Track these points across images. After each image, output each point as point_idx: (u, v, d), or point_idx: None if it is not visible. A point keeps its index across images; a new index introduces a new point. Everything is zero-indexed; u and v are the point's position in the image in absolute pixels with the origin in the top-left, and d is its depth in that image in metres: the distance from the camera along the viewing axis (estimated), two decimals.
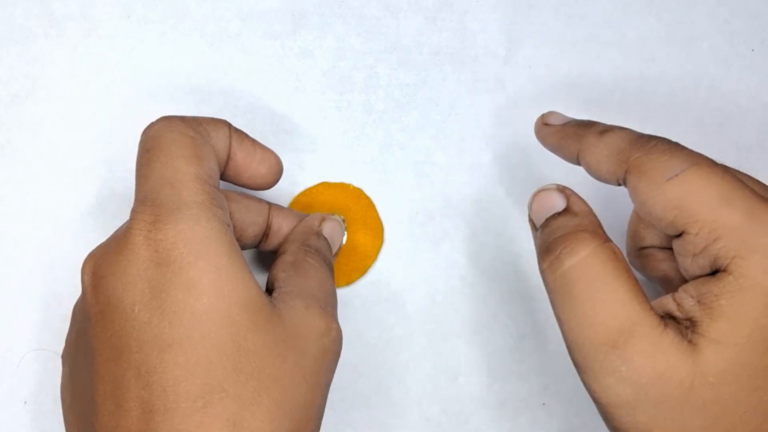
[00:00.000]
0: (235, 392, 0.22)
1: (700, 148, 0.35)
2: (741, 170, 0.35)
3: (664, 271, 0.29)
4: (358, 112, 0.34)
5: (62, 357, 0.27)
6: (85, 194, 0.33)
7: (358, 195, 0.33)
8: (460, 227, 0.34)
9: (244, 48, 0.34)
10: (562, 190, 0.27)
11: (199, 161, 0.25)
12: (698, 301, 0.23)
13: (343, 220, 0.32)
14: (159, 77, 0.34)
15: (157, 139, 0.25)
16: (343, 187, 0.33)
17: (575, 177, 0.34)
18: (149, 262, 0.23)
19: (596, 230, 0.25)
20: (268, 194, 0.33)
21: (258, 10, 0.35)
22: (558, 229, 0.25)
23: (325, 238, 0.30)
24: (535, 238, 0.27)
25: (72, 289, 0.32)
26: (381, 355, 0.33)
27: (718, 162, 0.24)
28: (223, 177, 0.28)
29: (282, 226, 0.30)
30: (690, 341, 0.22)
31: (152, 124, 0.26)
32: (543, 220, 0.26)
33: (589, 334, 0.23)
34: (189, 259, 0.23)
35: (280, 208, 0.30)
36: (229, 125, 0.28)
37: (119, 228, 0.25)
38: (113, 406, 0.22)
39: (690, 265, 0.24)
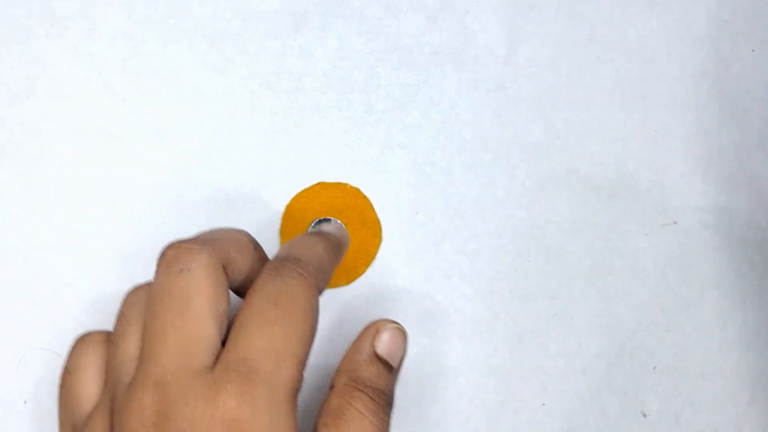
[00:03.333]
0: None
1: (699, 149, 0.35)
2: (741, 171, 0.35)
3: None
4: (359, 112, 0.34)
5: None
6: (84, 194, 0.33)
7: (355, 194, 0.33)
8: (460, 227, 0.34)
9: (244, 48, 0.34)
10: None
11: (217, 304, 0.24)
12: None
13: (343, 225, 0.33)
14: (159, 77, 0.34)
15: (186, 290, 0.24)
16: (339, 186, 0.33)
17: (576, 177, 0.34)
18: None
19: None
20: (266, 197, 0.33)
21: (259, 10, 0.35)
22: None
23: (384, 361, 0.27)
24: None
25: (71, 288, 0.32)
26: None
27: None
28: (236, 290, 0.27)
29: None
30: None
31: (184, 261, 0.24)
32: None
33: None
34: None
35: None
36: (254, 246, 0.27)
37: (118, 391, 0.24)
38: None
39: None
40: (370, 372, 0.26)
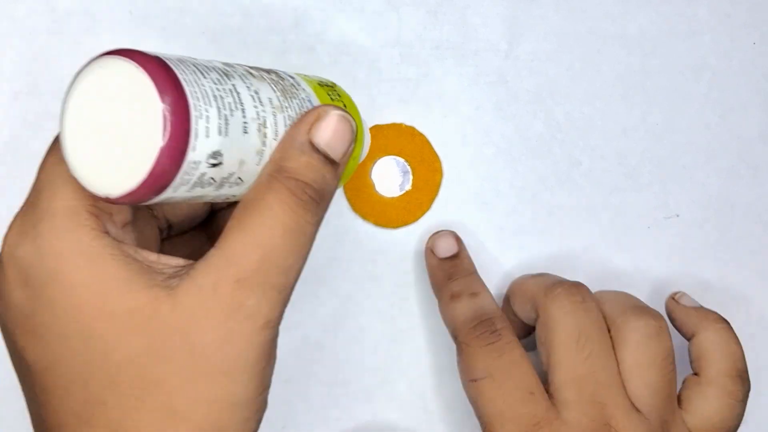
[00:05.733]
0: (115, 402, 0.22)
1: (701, 142, 0.35)
2: (743, 164, 0.35)
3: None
4: (361, 107, 0.34)
5: None
6: None
7: (411, 132, 0.33)
8: (461, 222, 0.34)
9: (245, 43, 0.34)
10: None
11: None
12: None
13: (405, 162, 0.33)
14: None
15: None
16: (395, 126, 0.34)
17: (578, 170, 0.35)
18: (15, 283, 0.22)
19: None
20: None
21: (259, 5, 0.35)
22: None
23: (320, 152, 0.23)
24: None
25: None
26: (385, 350, 0.33)
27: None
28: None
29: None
30: None
31: None
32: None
33: None
34: (45, 278, 0.22)
35: None
36: None
37: None
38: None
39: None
40: (298, 163, 0.22)
